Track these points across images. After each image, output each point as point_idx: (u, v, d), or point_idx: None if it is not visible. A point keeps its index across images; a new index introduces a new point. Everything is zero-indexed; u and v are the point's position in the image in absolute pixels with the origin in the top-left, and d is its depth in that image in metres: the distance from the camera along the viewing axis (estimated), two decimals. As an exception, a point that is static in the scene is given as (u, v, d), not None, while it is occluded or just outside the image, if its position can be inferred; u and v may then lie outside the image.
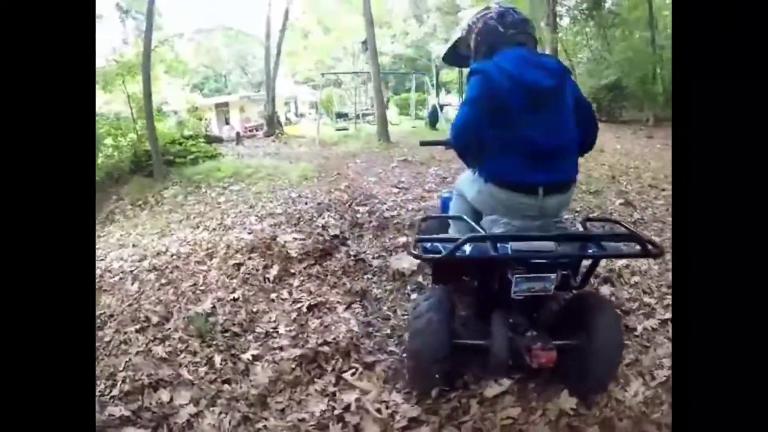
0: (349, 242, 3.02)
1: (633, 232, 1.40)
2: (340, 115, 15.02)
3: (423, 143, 2.17)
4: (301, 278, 2.54)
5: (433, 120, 12.44)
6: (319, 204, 3.85)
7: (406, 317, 2.05)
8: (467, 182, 1.72)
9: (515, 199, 1.51)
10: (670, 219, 3.56)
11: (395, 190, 4.56)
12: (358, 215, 3.55)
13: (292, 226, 3.27)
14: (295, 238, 2.88)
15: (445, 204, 2.13)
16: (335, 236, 3.00)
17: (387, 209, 3.70)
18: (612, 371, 1.51)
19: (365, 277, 2.60)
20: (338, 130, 12.76)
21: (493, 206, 1.57)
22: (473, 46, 1.64)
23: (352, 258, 2.76)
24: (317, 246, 2.80)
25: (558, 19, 13.04)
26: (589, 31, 14.76)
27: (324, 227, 3.11)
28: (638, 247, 1.33)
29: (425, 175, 5.32)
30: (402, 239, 3.03)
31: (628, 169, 5.53)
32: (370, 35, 9.67)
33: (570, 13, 13.42)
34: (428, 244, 1.61)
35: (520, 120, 1.45)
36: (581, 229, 1.81)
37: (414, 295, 2.31)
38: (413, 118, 15.82)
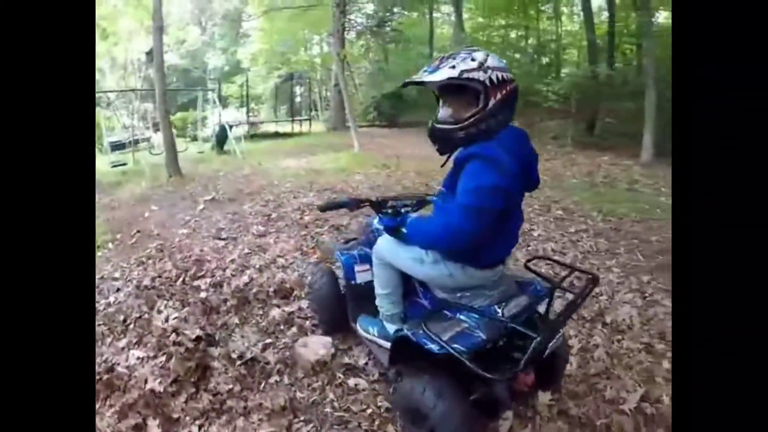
0: (218, 340, 2.23)
1: (571, 266, 1.68)
2: (116, 146, 11.52)
3: (323, 209, 1.81)
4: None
5: (221, 141, 10.86)
6: (139, 289, 2.77)
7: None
8: (407, 258, 1.57)
9: (489, 274, 1.48)
10: None
11: (221, 243, 3.78)
12: (203, 294, 2.72)
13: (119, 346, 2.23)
14: (135, 370, 1.91)
15: (350, 267, 1.95)
16: (196, 339, 2.14)
17: (231, 274, 3.00)
18: (564, 366, 1.84)
19: (272, 383, 1.94)
20: (115, 166, 9.73)
21: (463, 284, 1.50)
22: (488, 107, 1.26)
23: (240, 364, 2.00)
24: (184, 365, 1.92)
25: (345, 34, 13.81)
26: (372, 45, 16.22)
27: (174, 331, 2.18)
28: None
29: (244, 215, 4.60)
30: (275, 312, 2.48)
31: (433, 172, 6.09)
32: (157, 44, 7.71)
33: (356, 29, 14.40)
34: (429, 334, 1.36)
35: (515, 203, 1.39)
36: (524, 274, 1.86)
37: (353, 381, 1.93)
38: (194, 141, 13.28)
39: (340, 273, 2.11)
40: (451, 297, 1.55)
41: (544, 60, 15.44)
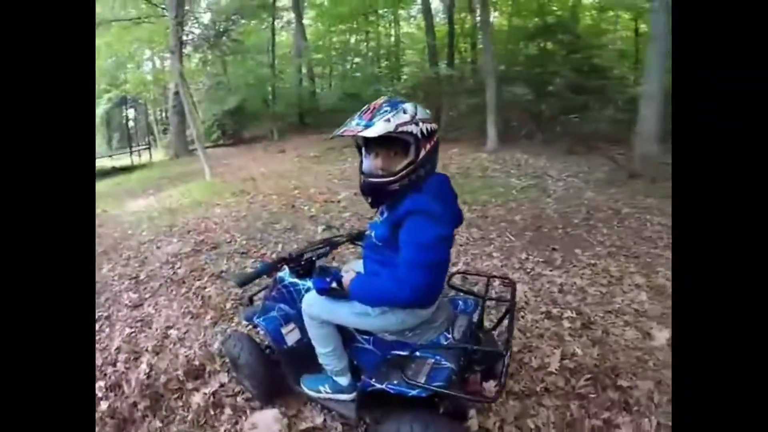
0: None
1: (487, 275, 1.80)
2: None
3: (242, 284, 1.63)
4: None
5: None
6: None
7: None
8: (350, 314, 1.53)
9: (432, 308, 1.51)
10: (362, 229, 4.21)
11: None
12: (103, 404, 2.15)
13: None
14: None
15: (276, 332, 1.81)
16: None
17: (125, 368, 2.48)
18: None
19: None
20: None
21: (411, 325, 1.51)
22: (419, 158, 1.28)
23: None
24: None
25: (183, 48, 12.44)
26: (210, 58, 14.99)
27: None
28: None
29: (107, 283, 3.78)
30: (197, 398, 2.12)
31: (294, 192, 6.04)
32: None
33: (193, 42, 13.04)
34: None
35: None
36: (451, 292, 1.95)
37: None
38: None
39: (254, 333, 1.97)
40: (400, 337, 1.56)
41: (384, 63, 16.48)
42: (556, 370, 2.18)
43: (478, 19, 10.58)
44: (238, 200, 6.23)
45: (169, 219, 5.54)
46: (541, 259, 3.63)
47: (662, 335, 2.47)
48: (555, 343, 2.43)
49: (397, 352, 1.53)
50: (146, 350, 2.60)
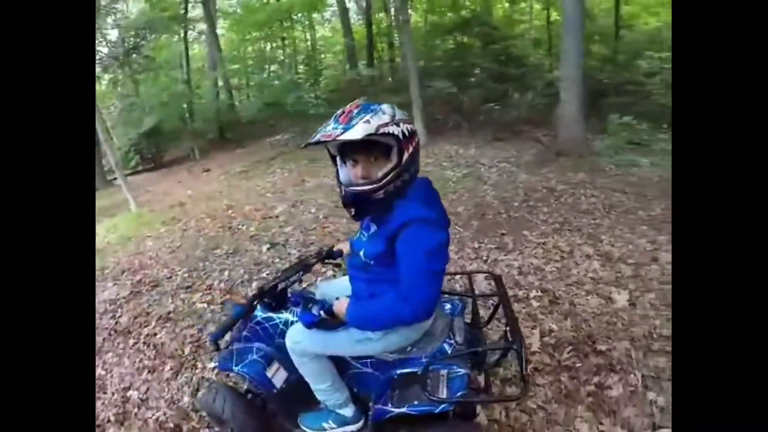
0: None
1: (469, 272, 1.88)
2: None
3: (219, 336, 1.42)
4: None
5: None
6: None
7: None
8: (349, 343, 1.43)
9: (432, 318, 1.46)
10: (330, 245, 4.04)
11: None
12: None
13: None
14: None
15: (262, 376, 1.65)
16: None
17: None
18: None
19: None
20: None
21: (413, 340, 1.45)
22: (403, 162, 1.18)
23: None
24: None
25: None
26: (121, 79, 13.64)
27: None
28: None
29: None
30: None
31: (228, 212, 5.78)
32: None
33: (102, 62, 11.69)
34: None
35: None
36: None
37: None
38: None
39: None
40: (402, 354, 1.48)
41: (302, 68, 16.14)
42: (539, 348, 2.27)
43: (394, 18, 10.75)
44: (170, 229, 5.72)
45: (98, 261, 4.95)
46: (493, 246, 3.76)
47: (622, 297, 2.68)
48: (531, 323, 2.52)
49: (403, 371, 1.47)
50: (108, 421, 2.27)
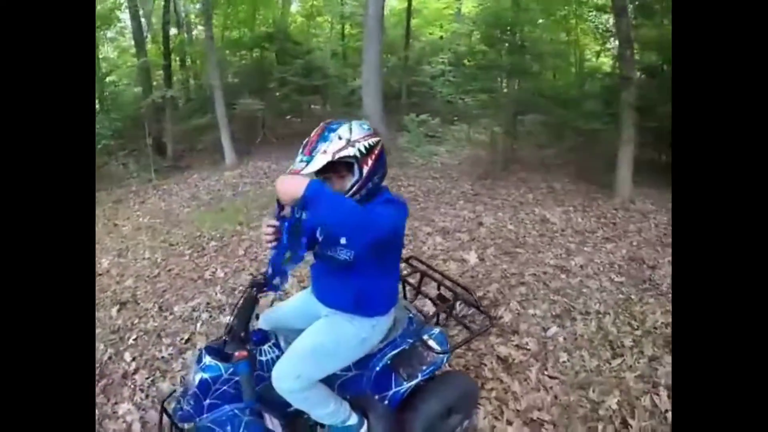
0: None
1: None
2: None
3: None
4: None
5: None
6: None
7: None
8: (347, 351, 1.52)
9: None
10: (156, 288, 3.69)
11: None
12: None
13: None
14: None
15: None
16: None
17: None
18: None
19: None
20: None
21: (390, 325, 1.62)
22: (363, 175, 1.37)
23: None
24: None
25: None
26: None
27: None
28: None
29: None
30: None
31: None
32: None
33: None
34: None
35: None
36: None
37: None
38: None
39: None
40: (375, 349, 1.61)
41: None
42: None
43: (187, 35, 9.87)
44: None
45: None
46: None
47: (472, 257, 3.33)
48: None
49: (392, 353, 1.63)
50: None
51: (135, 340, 2.76)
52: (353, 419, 1.60)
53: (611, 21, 7.50)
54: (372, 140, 1.40)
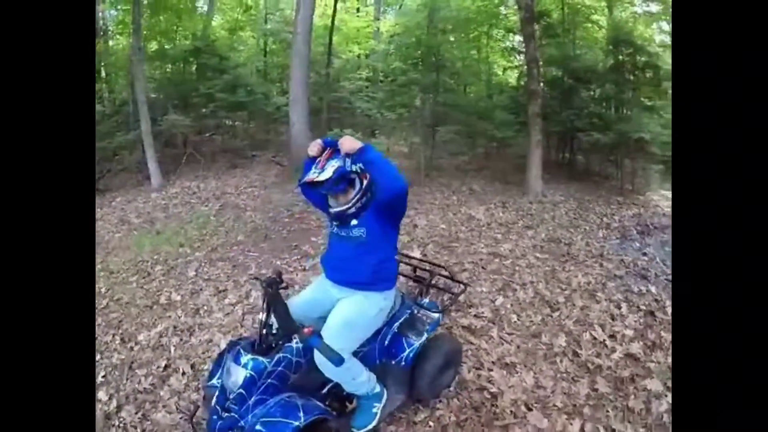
0: None
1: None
2: None
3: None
4: None
5: None
6: None
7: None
8: (368, 321, 1.80)
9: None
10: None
11: None
12: None
13: None
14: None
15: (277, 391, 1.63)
16: None
17: None
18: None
19: None
20: None
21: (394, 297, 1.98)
22: (363, 186, 1.73)
23: None
24: None
25: None
26: None
27: None
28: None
29: None
30: None
31: None
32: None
33: None
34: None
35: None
36: None
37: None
38: None
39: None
40: (388, 318, 1.96)
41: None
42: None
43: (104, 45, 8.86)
44: None
45: None
46: (298, 256, 4.14)
47: (416, 254, 3.75)
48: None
49: (399, 322, 1.99)
50: None
51: (104, 377, 2.59)
52: (378, 387, 1.88)
53: (518, 39, 8.66)
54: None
